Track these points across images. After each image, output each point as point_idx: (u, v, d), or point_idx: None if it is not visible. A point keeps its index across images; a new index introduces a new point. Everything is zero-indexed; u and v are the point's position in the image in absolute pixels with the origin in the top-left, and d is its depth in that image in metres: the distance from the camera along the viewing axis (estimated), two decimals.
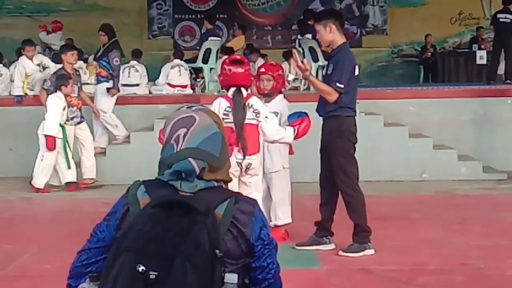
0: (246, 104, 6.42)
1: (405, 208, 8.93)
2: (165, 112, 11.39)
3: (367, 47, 19.98)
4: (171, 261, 2.08)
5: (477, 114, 12.10)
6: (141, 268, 2.07)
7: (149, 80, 13.95)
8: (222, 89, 13.28)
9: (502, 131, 11.87)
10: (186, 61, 14.31)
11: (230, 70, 6.48)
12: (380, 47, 20.30)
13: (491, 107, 12.09)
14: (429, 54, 19.05)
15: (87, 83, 13.29)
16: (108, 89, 11.50)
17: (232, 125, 6.31)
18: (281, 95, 7.47)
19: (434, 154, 11.33)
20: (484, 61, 16.21)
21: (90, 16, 19.28)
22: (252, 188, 6.42)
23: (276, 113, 6.89)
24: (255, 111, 6.42)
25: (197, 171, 2.31)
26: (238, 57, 6.98)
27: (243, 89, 6.47)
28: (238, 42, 15.68)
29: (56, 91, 10.35)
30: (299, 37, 14.91)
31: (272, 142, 6.73)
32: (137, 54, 14.24)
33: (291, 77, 14.26)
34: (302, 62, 6.47)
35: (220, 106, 6.39)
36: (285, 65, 14.78)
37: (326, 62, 12.47)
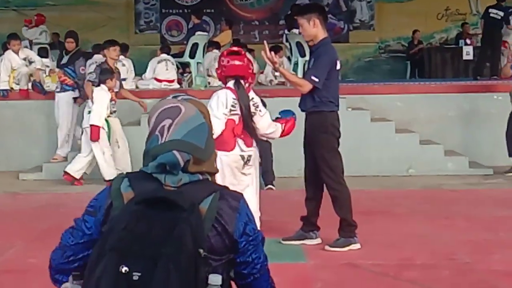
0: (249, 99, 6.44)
1: (391, 203, 8.95)
2: (152, 107, 11.35)
3: (354, 43, 20.01)
4: (154, 262, 2.06)
5: (463, 110, 12.14)
6: (124, 269, 2.05)
7: (135, 75, 13.91)
8: (209, 83, 13.33)
9: (488, 127, 11.90)
10: (173, 56, 14.26)
11: (228, 61, 6.45)
12: (367, 43, 20.33)
13: (478, 102, 12.13)
14: (418, 50, 19.09)
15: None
16: (75, 99, 11.40)
17: (237, 117, 6.28)
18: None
19: (421, 149, 11.36)
20: (470, 57, 16.27)
21: (77, 10, 19.25)
22: (250, 179, 6.41)
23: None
24: (255, 105, 6.43)
25: (182, 163, 2.28)
26: (236, 48, 6.94)
27: (242, 81, 6.45)
28: (225, 37, 15.65)
29: (100, 85, 10.29)
30: (286, 32, 14.90)
31: (261, 135, 6.73)
32: (123, 49, 14.15)
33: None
34: (270, 54, 6.49)
35: (228, 98, 6.29)
36: None
37: None
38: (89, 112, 10.14)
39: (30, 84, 12.07)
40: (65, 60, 11.48)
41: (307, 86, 6.52)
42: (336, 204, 6.68)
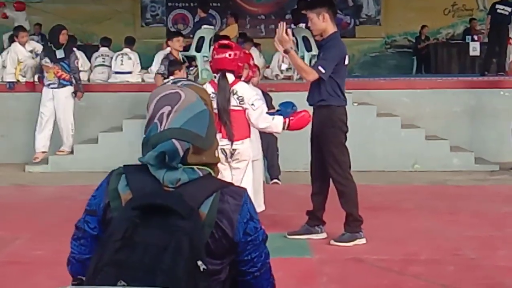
0: (231, 90, 6.37)
1: (397, 198, 8.94)
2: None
3: (360, 38, 19.97)
4: (152, 274, 1.98)
5: (469, 106, 12.12)
6: (122, 283, 1.98)
7: (142, 68, 13.91)
8: (215, 77, 13.31)
9: (494, 123, 11.89)
10: None
11: (215, 54, 6.48)
12: (374, 38, 20.28)
13: (484, 98, 12.11)
14: (425, 45, 19.04)
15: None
16: (74, 93, 11.36)
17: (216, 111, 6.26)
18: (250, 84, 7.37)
19: (427, 144, 11.34)
20: (477, 53, 16.22)
21: (83, 2, 19.23)
22: (240, 174, 6.39)
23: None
24: (239, 98, 6.34)
25: (181, 152, 2.18)
26: (226, 42, 6.91)
27: (229, 75, 6.41)
28: (231, 31, 15.62)
29: (169, 76, 10.30)
30: (292, 26, 14.85)
31: (261, 130, 6.69)
32: (130, 42, 14.18)
33: (284, 66, 14.28)
34: (286, 33, 6.47)
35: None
36: (278, 54, 14.75)
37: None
38: None
39: (36, 77, 12.06)
40: (61, 54, 11.32)
41: (312, 75, 6.49)
42: (342, 199, 6.67)
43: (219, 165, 2.38)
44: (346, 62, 6.74)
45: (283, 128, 6.44)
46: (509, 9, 13.87)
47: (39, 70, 11.56)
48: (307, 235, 6.86)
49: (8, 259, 6.39)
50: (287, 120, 6.43)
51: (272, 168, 9.76)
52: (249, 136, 6.52)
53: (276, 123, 6.40)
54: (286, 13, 19.08)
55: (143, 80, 13.53)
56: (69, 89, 11.33)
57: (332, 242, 6.65)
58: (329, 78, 6.50)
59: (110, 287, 1.99)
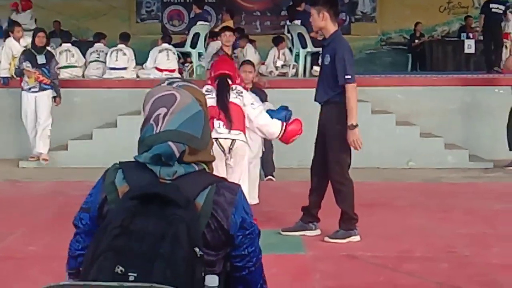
0: (231, 87, 6.52)
1: (391, 195, 8.95)
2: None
3: (355, 35, 19.94)
4: (150, 262, 2.01)
5: (464, 103, 12.13)
6: (120, 269, 2.00)
7: (136, 64, 13.89)
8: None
9: (489, 120, 11.90)
10: (174, 46, 14.24)
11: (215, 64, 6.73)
12: (369, 35, 20.29)
13: (479, 96, 12.12)
14: (420, 43, 19.05)
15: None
16: (54, 98, 11.25)
17: (212, 101, 6.33)
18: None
19: (421, 142, 11.36)
20: (472, 50, 16.25)
21: None
22: (237, 171, 6.40)
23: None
24: (238, 91, 6.47)
25: (177, 154, 2.22)
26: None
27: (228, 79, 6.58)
28: None
29: None
30: (288, 23, 14.87)
31: (260, 127, 6.71)
32: (124, 38, 14.16)
33: (279, 63, 14.29)
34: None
35: (204, 87, 6.44)
36: (274, 51, 14.77)
37: (314, 49, 12.54)
38: None
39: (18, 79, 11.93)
40: (42, 60, 11.17)
41: (353, 88, 6.50)
42: (339, 197, 6.67)
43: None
44: None
45: (280, 130, 6.58)
46: (502, 7, 13.95)
47: (19, 72, 11.37)
48: (301, 231, 6.86)
49: (2, 254, 6.38)
50: (284, 124, 6.54)
51: (266, 164, 9.76)
52: (245, 132, 6.55)
53: (275, 122, 6.55)
54: (281, 10, 19.09)
55: (138, 76, 13.52)
56: (50, 92, 11.22)
57: (326, 238, 6.66)
58: (336, 76, 6.52)
59: (103, 283, 2.00)
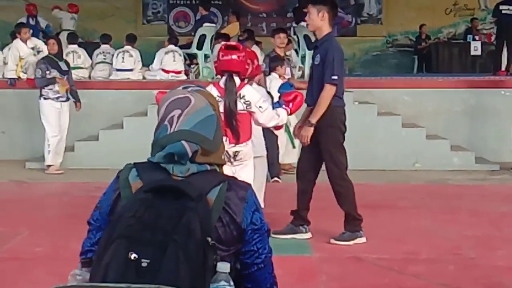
0: (238, 94, 6.24)
1: (397, 197, 8.95)
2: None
3: (361, 36, 19.94)
4: (163, 249, 2.05)
5: (470, 105, 12.12)
6: (133, 255, 2.04)
7: (143, 65, 13.92)
8: (216, 75, 13.31)
9: (495, 122, 11.89)
10: (181, 47, 14.26)
11: (223, 56, 6.36)
12: (375, 37, 20.25)
13: (485, 98, 12.10)
14: (426, 46, 19.02)
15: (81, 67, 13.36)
16: (74, 103, 11.01)
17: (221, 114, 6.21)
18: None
19: (427, 144, 11.35)
20: (478, 52, 16.21)
21: None
22: (243, 172, 6.39)
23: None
24: (246, 102, 6.25)
25: (190, 154, 2.28)
26: (234, 43, 6.89)
27: (236, 77, 6.30)
28: (233, 29, 15.63)
29: (270, 73, 10.28)
30: (294, 24, 14.87)
31: (265, 127, 6.71)
32: (131, 39, 14.18)
33: None
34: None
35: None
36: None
37: None
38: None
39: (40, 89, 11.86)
40: (64, 67, 10.97)
41: (332, 90, 6.47)
42: (339, 199, 6.67)
43: None
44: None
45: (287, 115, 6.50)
46: None
47: (47, 82, 10.81)
48: (291, 234, 6.84)
49: (7, 255, 6.40)
50: (288, 110, 6.45)
51: (272, 166, 9.75)
52: (251, 138, 6.51)
53: (282, 118, 6.44)
54: (287, 11, 19.08)
55: (144, 78, 13.55)
56: (71, 101, 11.03)
57: (332, 240, 6.66)
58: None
59: (110, 284, 2.03)
